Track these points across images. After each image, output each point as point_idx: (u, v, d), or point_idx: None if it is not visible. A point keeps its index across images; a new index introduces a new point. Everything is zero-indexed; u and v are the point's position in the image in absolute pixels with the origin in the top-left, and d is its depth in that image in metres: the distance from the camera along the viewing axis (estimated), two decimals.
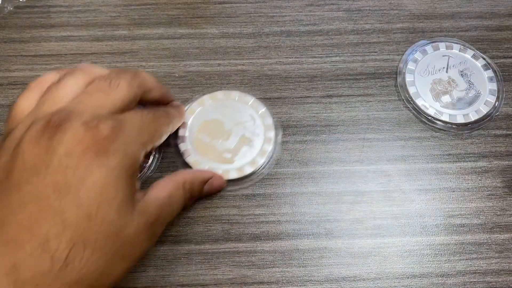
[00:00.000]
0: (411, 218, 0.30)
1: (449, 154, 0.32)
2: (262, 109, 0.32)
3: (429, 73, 0.35)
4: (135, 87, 0.24)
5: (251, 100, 0.33)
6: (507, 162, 0.32)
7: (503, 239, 0.29)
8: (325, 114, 0.33)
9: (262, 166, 0.31)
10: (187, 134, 0.31)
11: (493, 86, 0.34)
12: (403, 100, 0.34)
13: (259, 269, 0.28)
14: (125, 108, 0.24)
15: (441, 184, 0.31)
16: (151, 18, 0.37)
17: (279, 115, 0.33)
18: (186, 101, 0.33)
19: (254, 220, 0.30)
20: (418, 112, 0.33)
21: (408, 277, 0.28)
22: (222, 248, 0.29)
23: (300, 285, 0.28)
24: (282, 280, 0.28)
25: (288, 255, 0.29)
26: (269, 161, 0.31)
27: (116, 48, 0.36)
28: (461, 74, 0.35)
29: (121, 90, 0.24)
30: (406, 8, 0.38)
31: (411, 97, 0.33)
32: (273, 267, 0.28)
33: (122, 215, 0.21)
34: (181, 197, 0.26)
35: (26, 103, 0.24)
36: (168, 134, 0.27)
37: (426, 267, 0.29)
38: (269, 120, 0.32)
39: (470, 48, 0.35)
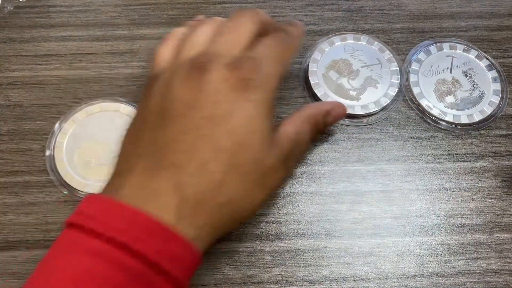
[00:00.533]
0: (411, 218, 0.30)
1: (449, 154, 0.32)
2: (389, 55, 0.34)
3: (433, 73, 0.35)
4: (257, 22, 0.26)
5: (378, 46, 0.35)
6: (507, 162, 0.32)
7: (503, 239, 0.29)
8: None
9: (387, 108, 0.33)
10: (316, 69, 0.33)
11: (497, 86, 0.34)
12: (407, 100, 0.34)
13: (259, 269, 0.28)
14: (253, 43, 0.25)
15: (441, 184, 0.31)
16: (151, 18, 0.37)
17: (279, 115, 0.33)
18: None
19: (254, 220, 0.30)
20: (422, 113, 0.33)
21: (408, 277, 0.28)
22: (222, 248, 0.29)
23: (300, 285, 0.28)
24: (282, 280, 0.28)
25: (288, 255, 0.29)
26: (393, 104, 0.33)
27: (116, 48, 0.36)
28: (465, 75, 0.35)
29: (246, 27, 0.26)
30: (406, 8, 0.38)
31: (415, 98, 0.33)
32: (273, 267, 0.28)
33: (265, 146, 0.24)
34: (308, 131, 0.27)
35: (166, 51, 0.27)
36: (296, 53, 0.28)
37: (426, 267, 0.29)
38: (395, 66, 0.34)
39: (474, 49, 0.35)
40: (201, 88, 0.23)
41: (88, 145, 0.31)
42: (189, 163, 0.22)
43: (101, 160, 0.31)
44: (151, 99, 0.24)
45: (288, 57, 0.27)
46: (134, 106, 0.33)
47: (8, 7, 0.37)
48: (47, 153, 0.31)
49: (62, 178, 0.30)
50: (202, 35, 0.26)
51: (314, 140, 0.29)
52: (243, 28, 0.26)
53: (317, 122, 0.28)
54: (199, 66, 0.24)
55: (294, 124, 0.27)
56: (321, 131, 0.30)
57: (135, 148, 0.23)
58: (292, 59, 0.27)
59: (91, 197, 0.22)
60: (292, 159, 0.26)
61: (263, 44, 0.25)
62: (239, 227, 0.24)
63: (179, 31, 0.28)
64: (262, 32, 0.26)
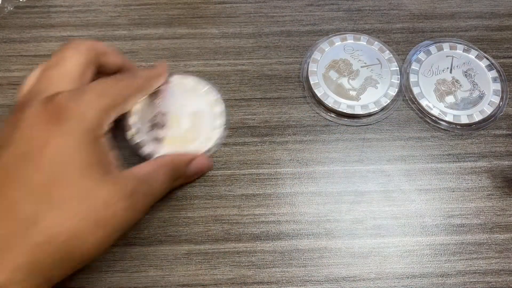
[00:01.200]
0: (411, 218, 0.30)
1: (449, 154, 0.32)
2: (389, 55, 0.34)
3: (433, 73, 0.35)
4: (84, 50, 0.25)
5: (378, 46, 0.35)
6: (507, 162, 0.32)
7: (503, 239, 0.29)
8: (325, 114, 0.33)
9: (387, 108, 0.33)
10: (316, 69, 0.33)
11: (497, 86, 0.34)
12: (407, 100, 0.34)
13: (259, 269, 0.28)
14: (85, 75, 0.25)
15: (441, 184, 0.31)
16: (151, 18, 0.37)
17: (279, 115, 0.33)
18: None
19: (254, 220, 0.30)
20: (422, 113, 0.33)
21: (408, 277, 0.28)
22: (222, 248, 0.29)
23: (300, 285, 0.28)
24: (282, 280, 0.28)
25: (288, 255, 0.29)
26: (393, 104, 0.33)
27: (116, 48, 0.36)
28: (465, 75, 0.35)
29: (70, 58, 0.25)
30: (406, 8, 0.38)
31: (415, 98, 0.33)
32: (273, 267, 0.28)
33: (88, 178, 0.22)
34: (163, 176, 0.27)
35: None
36: (138, 96, 0.28)
37: (426, 267, 0.29)
38: (395, 66, 0.34)
39: (474, 49, 0.35)
40: (15, 125, 0.23)
41: None
42: None
43: None
44: None
45: (121, 94, 0.25)
46: None
47: (8, 7, 0.37)
48: None
49: None
50: (34, 72, 0.26)
51: (174, 186, 0.29)
52: (67, 61, 0.25)
53: (176, 169, 0.28)
54: (17, 107, 0.24)
55: (146, 166, 0.26)
56: (181, 179, 0.29)
57: None
58: (131, 98, 0.26)
59: None
60: (141, 199, 0.25)
61: (97, 80, 0.25)
62: (83, 266, 0.23)
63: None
64: (104, 65, 0.26)
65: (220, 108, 0.32)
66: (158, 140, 0.30)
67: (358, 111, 0.33)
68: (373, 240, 0.29)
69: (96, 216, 0.22)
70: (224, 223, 0.29)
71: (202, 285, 0.28)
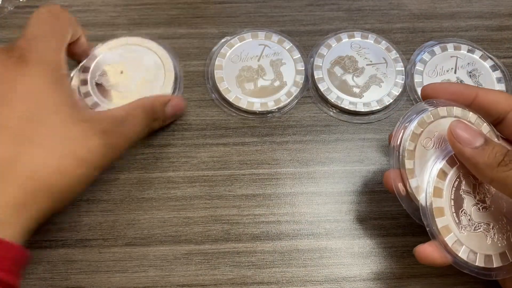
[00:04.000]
0: (411, 218, 0.30)
1: None
2: (396, 55, 0.34)
3: (437, 74, 0.35)
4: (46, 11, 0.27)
5: (385, 45, 0.35)
6: None
7: None
8: (325, 114, 0.33)
9: (389, 107, 0.33)
10: (322, 64, 0.34)
11: (502, 87, 0.34)
12: (411, 100, 0.34)
13: (259, 269, 0.28)
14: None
15: None
16: (151, 18, 0.37)
17: (278, 115, 0.33)
18: None
19: (254, 220, 0.30)
20: None
21: (408, 277, 0.28)
22: (222, 248, 0.29)
23: (300, 285, 0.28)
24: (282, 280, 0.28)
25: (288, 255, 0.29)
26: (395, 103, 0.33)
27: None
28: (470, 75, 0.35)
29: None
30: (406, 8, 0.38)
31: (419, 98, 0.33)
32: (273, 267, 0.28)
33: (61, 116, 0.24)
34: (141, 116, 0.28)
35: None
36: (74, 25, 0.29)
37: (426, 267, 0.28)
38: (400, 66, 0.34)
39: (478, 49, 0.35)
40: None
41: None
42: None
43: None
44: None
45: (64, 30, 0.27)
46: None
47: (9, 8, 0.37)
48: None
49: None
50: None
51: (152, 128, 0.30)
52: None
53: (154, 110, 0.29)
54: None
55: (124, 107, 0.27)
56: (160, 121, 0.31)
57: None
58: (71, 27, 0.28)
59: None
60: (117, 136, 0.26)
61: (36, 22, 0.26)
62: (67, 204, 0.24)
63: None
64: None
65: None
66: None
67: (360, 108, 0.33)
68: (373, 240, 0.29)
69: (74, 153, 0.23)
70: (224, 223, 0.29)
71: (202, 285, 0.28)
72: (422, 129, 0.25)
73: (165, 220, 0.29)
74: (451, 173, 0.24)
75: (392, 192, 0.25)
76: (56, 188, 0.23)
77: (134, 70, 0.33)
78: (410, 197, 0.25)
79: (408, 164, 0.25)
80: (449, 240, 0.24)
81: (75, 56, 0.32)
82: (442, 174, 0.24)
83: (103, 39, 0.36)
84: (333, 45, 0.35)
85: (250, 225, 0.29)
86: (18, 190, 0.21)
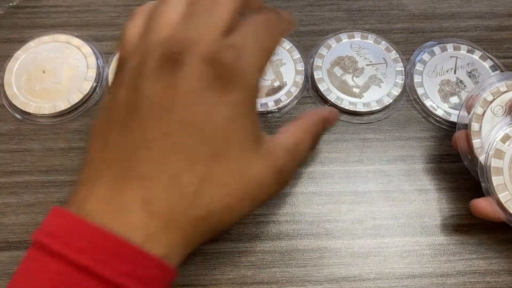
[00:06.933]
0: (411, 218, 0.30)
1: (449, 154, 0.32)
2: (395, 55, 0.35)
3: (437, 74, 0.35)
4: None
5: (384, 45, 0.35)
6: None
7: (503, 239, 0.29)
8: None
9: (389, 107, 0.33)
10: (321, 64, 0.34)
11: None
12: (411, 100, 0.34)
13: (259, 269, 0.28)
14: (235, 20, 0.21)
15: (441, 184, 0.31)
16: None
17: (278, 115, 0.33)
18: None
19: (254, 220, 0.30)
20: (426, 113, 0.33)
21: (408, 277, 0.28)
22: (222, 248, 0.29)
23: (300, 285, 0.28)
24: (282, 280, 0.28)
25: (288, 255, 0.29)
26: (395, 103, 0.33)
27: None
28: (469, 75, 0.35)
29: (226, 5, 0.21)
30: (406, 8, 0.38)
31: (419, 98, 0.34)
32: (273, 267, 0.28)
33: (247, 153, 0.21)
34: (309, 142, 0.25)
35: (135, 30, 0.22)
36: (280, 42, 0.25)
37: (426, 267, 0.28)
38: (400, 66, 0.34)
39: (478, 49, 0.35)
40: (174, 85, 0.20)
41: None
42: (159, 175, 0.20)
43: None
44: (119, 90, 0.21)
45: (274, 45, 0.22)
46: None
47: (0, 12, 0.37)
48: None
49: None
50: (172, 13, 0.21)
51: (314, 149, 0.29)
52: (221, 6, 0.21)
53: (318, 131, 0.26)
54: (172, 58, 0.20)
55: (294, 135, 0.24)
56: (319, 139, 0.28)
57: (102, 152, 0.21)
58: (278, 46, 0.23)
59: (56, 210, 0.20)
60: (289, 172, 0.24)
61: (247, 26, 0.21)
62: (212, 238, 0.23)
63: (149, 5, 0.23)
64: (245, 7, 0.22)
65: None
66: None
67: (360, 108, 0.33)
68: (373, 240, 0.29)
69: (249, 194, 0.21)
70: None
71: (202, 285, 0.28)
72: (493, 97, 0.28)
73: None
74: None
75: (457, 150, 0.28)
76: (219, 228, 0.22)
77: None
78: (472, 155, 0.28)
79: (474, 126, 0.28)
80: (503, 197, 0.26)
81: None
82: (506, 137, 0.27)
83: (103, 39, 0.36)
84: (333, 46, 0.35)
85: (250, 225, 0.29)
86: (189, 231, 0.20)
